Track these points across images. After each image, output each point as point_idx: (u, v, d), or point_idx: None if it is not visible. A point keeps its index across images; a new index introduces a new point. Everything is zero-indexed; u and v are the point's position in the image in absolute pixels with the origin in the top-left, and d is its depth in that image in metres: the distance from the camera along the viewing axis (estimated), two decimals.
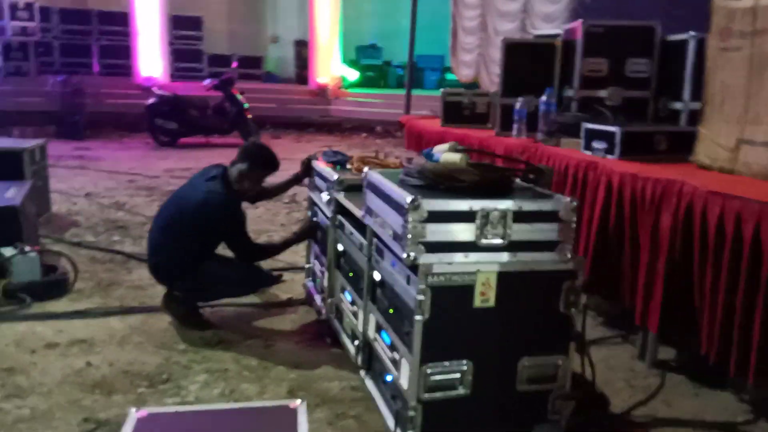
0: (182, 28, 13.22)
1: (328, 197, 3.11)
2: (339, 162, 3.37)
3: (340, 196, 2.96)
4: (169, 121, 9.54)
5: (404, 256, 1.94)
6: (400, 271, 2.13)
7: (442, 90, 5.68)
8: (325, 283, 3.23)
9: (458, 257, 1.97)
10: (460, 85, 9.06)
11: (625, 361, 3.12)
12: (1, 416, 2.47)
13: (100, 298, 3.66)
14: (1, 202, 3.90)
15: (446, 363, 2.02)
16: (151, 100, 9.59)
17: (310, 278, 3.66)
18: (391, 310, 2.27)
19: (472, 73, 8.85)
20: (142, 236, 4.80)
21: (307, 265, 3.73)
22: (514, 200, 1.98)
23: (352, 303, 2.83)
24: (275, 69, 15.39)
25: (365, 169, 2.56)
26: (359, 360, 2.63)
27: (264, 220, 5.48)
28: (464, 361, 2.04)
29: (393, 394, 2.24)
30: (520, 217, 1.98)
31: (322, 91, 12.69)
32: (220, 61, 12.95)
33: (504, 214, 1.96)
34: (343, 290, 3.01)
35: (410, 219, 1.90)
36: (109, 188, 6.57)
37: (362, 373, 2.61)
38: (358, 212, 2.63)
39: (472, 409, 2.07)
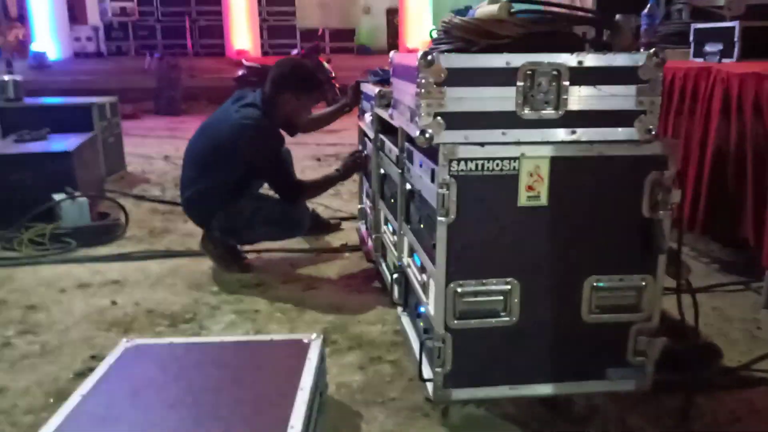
0: (274, 4, 13.23)
1: (371, 117, 2.67)
2: (386, 80, 2.91)
3: (381, 111, 2.51)
4: None
5: (417, 134, 1.46)
6: (426, 170, 1.64)
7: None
8: (373, 219, 2.80)
9: (493, 135, 1.45)
10: None
11: (746, 311, 2.45)
12: (10, 351, 2.28)
13: (147, 245, 3.46)
14: (54, 148, 3.82)
15: (483, 281, 1.52)
16: (240, 72, 9.60)
17: (363, 220, 3.24)
18: (421, 225, 1.79)
19: None
20: None
21: (359, 207, 3.32)
22: (568, 54, 1.43)
23: (393, 233, 2.38)
24: (368, 41, 15.08)
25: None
26: (395, 295, 2.18)
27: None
28: (508, 279, 1.52)
29: (425, 327, 1.77)
30: (580, 76, 1.42)
31: None
32: (311, 35, 12.84)
33: (557, 71, 1.42)
34: (386, 222, 2.57)
35: (422, 81, 1.41)
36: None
37: (399, 310, 2.16)
38: (387, 113, 2.16)
39: (520, 344, 1.56)
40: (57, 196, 3.55)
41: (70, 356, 2.23)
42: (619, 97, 1.44)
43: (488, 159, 1.45)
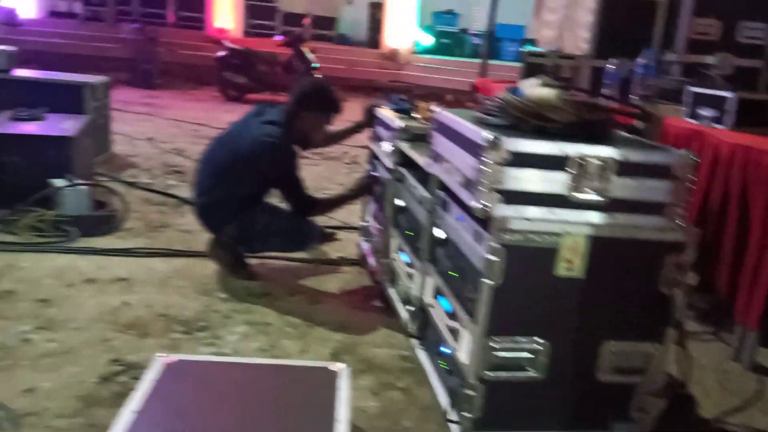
0: None
1: (391, 147, 2.81)
2: (404, 110, 3.05)
3: (404, 146, 2.65)
4: (238, 75, 9.40)
5: (476, 205, 1.61)
6: (468, 227, 1.80)
7: (522, 50, 5.24)
8: (380, 242, 2.94)
9: (542, 213, 1.63)
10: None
11: (717, 361, 2.71)
12: (28, 347, 2.33)
13: (147, 239, 3.51)
14: (55, 132, 3.80)
15: (516, 338, 1.70)
16: (221, 53, 9.47)
17: (365, 238, 3.38)
18: (453, 273, 1.95)
19: (554, 35, 8.26)
20: None
21: (362, 224, 3.46)
22: (618, 148, 1.61)
23: (409, 264, 2.53)
24: (348, 31, 15.05)
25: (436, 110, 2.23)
26: (412, 327, 2.34)
27: (323, 178, 5.23)
28: (539, 339, 1.70)
29: (449, 368, 1.93)
30: (624, 169, 1.61)
31: (393, 55, 12.30)
32: (293, 19, 12.72)
33: (605, 163, 1.60)
34: (399, 250, 2.72)
35: (487, 160, 1.57)
36: (172, 135, 6.48)
37: (414, 342, 2.32)
38: (423, 161, 2.31)
39: (542, 396, 1.75)
40: (57, 182, 3.55)
41: (90, 358, 2.30)
42: (654, 189, 1.63)
43: (534, 233, 1.62)
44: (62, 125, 3.94)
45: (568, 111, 1.67)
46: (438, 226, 2.12)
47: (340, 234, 3.79)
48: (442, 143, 1.99)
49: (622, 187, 1.62)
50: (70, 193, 3.52)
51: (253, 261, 3.25)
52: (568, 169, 1.60)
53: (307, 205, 3.07)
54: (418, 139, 2.68)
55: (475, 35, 14.06)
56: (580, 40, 6.41)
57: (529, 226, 1.62)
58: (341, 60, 11.83)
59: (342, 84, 11.37)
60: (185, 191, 4.44)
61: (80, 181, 3.58)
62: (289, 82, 9.68)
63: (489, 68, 8.16)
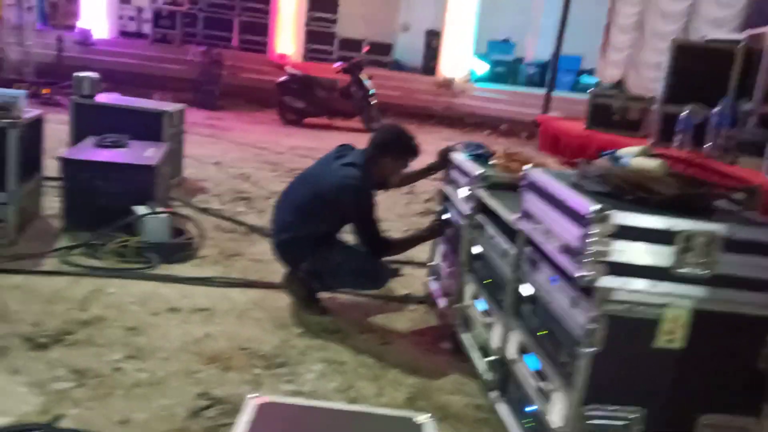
0: (319, 10, 13.38)
1: (468, 193, 2.85)
2: (481, 156, 3.10)
3: (483, 194, 2.69)
4: (297, 99, 9.65)
5: (580, 275, 1.64)
6: (563, 290, 1.83)
7: (590, 90, 5.24)
8: (451, 284, 2.98)
9: (645, 285, 1.64)
10: (599, 87, 8.44)
11: None
12: (121, 376, 2.44)
13: (223, 268, 3.63)
14: (139, 161, 3.98)
15: (612, 407, 1.70)
16: (282, 78, 9.75)
17: (434, 277, 3.43)
18: (542, 332, 1.97)
19: (619, 74, 8.23)
20: (265, 210, 4.79)
21: (430, 263, 3.50)
22: (724, 224, 1.62)
23: (486, 313, 2.56)
24: (403, 57, 15.27)
25: (524, 167, 2.27)
26: (490, 379, 2.36)
27: (383, 209, 5.30)
28: (634, 408, 1.71)
29: (536, 428, 1.95)
30: (730, 245, 1.62)
31: (447, 83, 12.40)
32: (351, 44, 13.00)
33: (711, 239, 1.61)
34: (475, 297, 2.75)
35: (594, 232, 1.60)
36: (237, 159, 6.68)
37: (492, 394, 2.34)
38: (508, 214, 2.35)
39: None
40: (139, 209, 3.71)
41: (179, 390, 2.39)
42: (759, 267, 1.63)
43: (637, 304, 1.64)
44: (145, 153, 4.12)
45: (672, 183, 1.69)
46: (525, 282, 2.14)
47: (406, 269, 3.85)
48: (535, 203, 2.03)
49: (728, 264, 1.63)
50: (152, 221, 3.67)
51: (323, 295, 3.33)
52: (674, 244, 1.61)
53: (381, 245, 3.14)
54: (497, 187, 2.72)
55: (530, 65, 14.07)
56: (647, 80, 6.38)
57: (632, 297, 1.63)
58: (396, 87, 11.98)
59: (396, 111, 11.54)
60: (253, 218, 4.59)
61: (161, 209, 3.74)
62: (346, 107, 9.90)
63: (545, 99, 8.15)
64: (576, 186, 1.86)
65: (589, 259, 1.61)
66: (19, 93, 3.72)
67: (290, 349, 2.80)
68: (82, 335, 2.69)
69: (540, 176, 2.03)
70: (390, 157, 3.07)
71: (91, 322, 2.81)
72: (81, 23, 11.50)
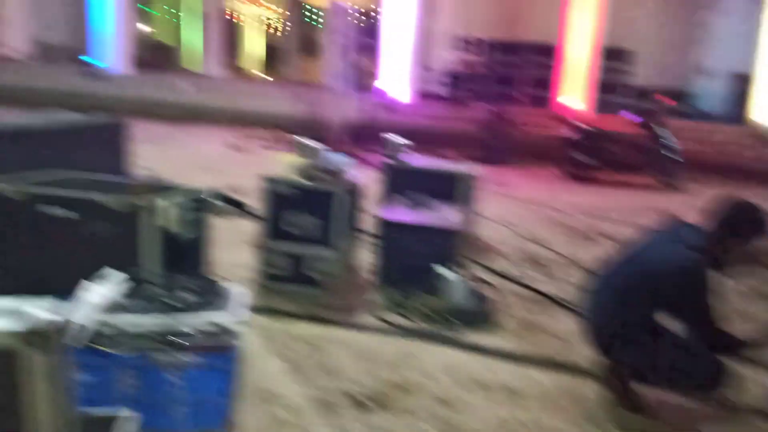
0: (614, 59, 12.84)
1: None
2: None
3: None
4: (585, 154, 9.24)
5: None
6: None
7: None
8: None
9: None
10: None
11: None
12: None
13: (525, 342, 3.46)
14: (443, 223, 4.06)
15: None
16: (572, 133, 9.45)
17: None
18: None
19: None
20: (560, 278, 4.54)
21: None
22: None
23: None
24: (703, 104, 13.77)
25: None
26: None
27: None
28: None
29: None
30: None
31: (764, 133, 10.71)
32: (643, 94, 12.16)
33: None
34: None
35: None
36: (527, 219, 6.52)
37: None
38: None
39: None
40: (443, 271, 3.78)
41: None
42: None
43: None
44: (448, 215, 4.22)
45: None
46: None
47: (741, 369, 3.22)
48: None
49: None
50: (456, 284, 3.70)
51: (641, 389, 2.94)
52: None
53: (716, 338, 2.65)
54: None
55: None
56: None
57: None
58: (695, 138, 10.73)
59: (697, 166, 10.28)
60: (547, 285, 4.33)
61: (464, 272, 3.75)
62: (638, 161, 9.14)
63: None
64: None
65: None
66: (349, 161, 4.12)
67: None
68: (397, 401, 2.75)
69: None
70: (740, 238, 2.60)
71: (403, 387, 2.87)
72: (379, 84, 12.69)
